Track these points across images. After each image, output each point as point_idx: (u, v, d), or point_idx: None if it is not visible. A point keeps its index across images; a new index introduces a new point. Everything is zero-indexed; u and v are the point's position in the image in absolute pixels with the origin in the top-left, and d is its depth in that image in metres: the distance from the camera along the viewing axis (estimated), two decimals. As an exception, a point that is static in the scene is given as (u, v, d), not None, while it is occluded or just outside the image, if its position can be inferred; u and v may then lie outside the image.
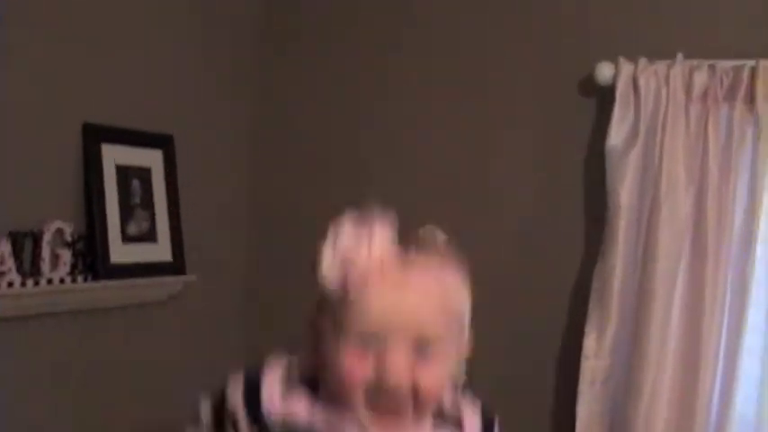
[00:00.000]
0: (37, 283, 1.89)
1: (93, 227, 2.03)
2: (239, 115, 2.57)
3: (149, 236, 2.16)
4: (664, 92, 1.99)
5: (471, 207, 2.30)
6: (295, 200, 2.54)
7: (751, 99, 1.92)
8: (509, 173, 2.30)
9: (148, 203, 2.19)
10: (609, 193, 2.06)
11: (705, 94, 1.97)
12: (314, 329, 1.02)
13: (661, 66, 2.01)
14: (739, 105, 1.94)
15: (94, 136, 2.05)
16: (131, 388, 2.24)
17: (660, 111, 2.00)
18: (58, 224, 1.94)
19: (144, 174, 2.18)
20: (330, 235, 0.96)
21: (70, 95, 2.02)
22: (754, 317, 1.96)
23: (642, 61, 2.02)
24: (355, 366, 0.94)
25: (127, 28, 2.17)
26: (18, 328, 1.92)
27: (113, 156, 2.09)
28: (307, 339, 1.03)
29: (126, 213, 2.10)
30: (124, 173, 2.12)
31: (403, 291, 0.95)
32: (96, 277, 2.01)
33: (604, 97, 2.11)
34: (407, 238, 0.98)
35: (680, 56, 2.00)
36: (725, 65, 1.96)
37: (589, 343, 2.09)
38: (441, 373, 0.97)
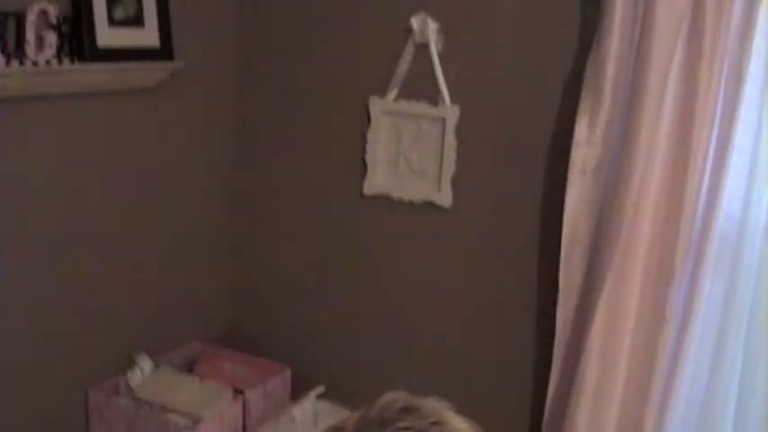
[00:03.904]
0: (22, 64, 1.87)
1: (79, 9, 1.99)
2: None
3: (136, 20, 2.12)
4: None
5: None
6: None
7: None
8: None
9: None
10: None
11: None
12: None
13: None
14: None
15: None
16: (117, 174, 2.26)
17: None
18: (42, 5, 1.90)
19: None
20: None
21: None
22: (746, 113, 1.92)
23: None
24: None
25: None
26: (3, 111, 1.92)
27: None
28: None
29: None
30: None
31: None
32: (83, 60, 1.99)
33: None
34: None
35: None
36: None
37: (581, 130, 2.04)
38: None
